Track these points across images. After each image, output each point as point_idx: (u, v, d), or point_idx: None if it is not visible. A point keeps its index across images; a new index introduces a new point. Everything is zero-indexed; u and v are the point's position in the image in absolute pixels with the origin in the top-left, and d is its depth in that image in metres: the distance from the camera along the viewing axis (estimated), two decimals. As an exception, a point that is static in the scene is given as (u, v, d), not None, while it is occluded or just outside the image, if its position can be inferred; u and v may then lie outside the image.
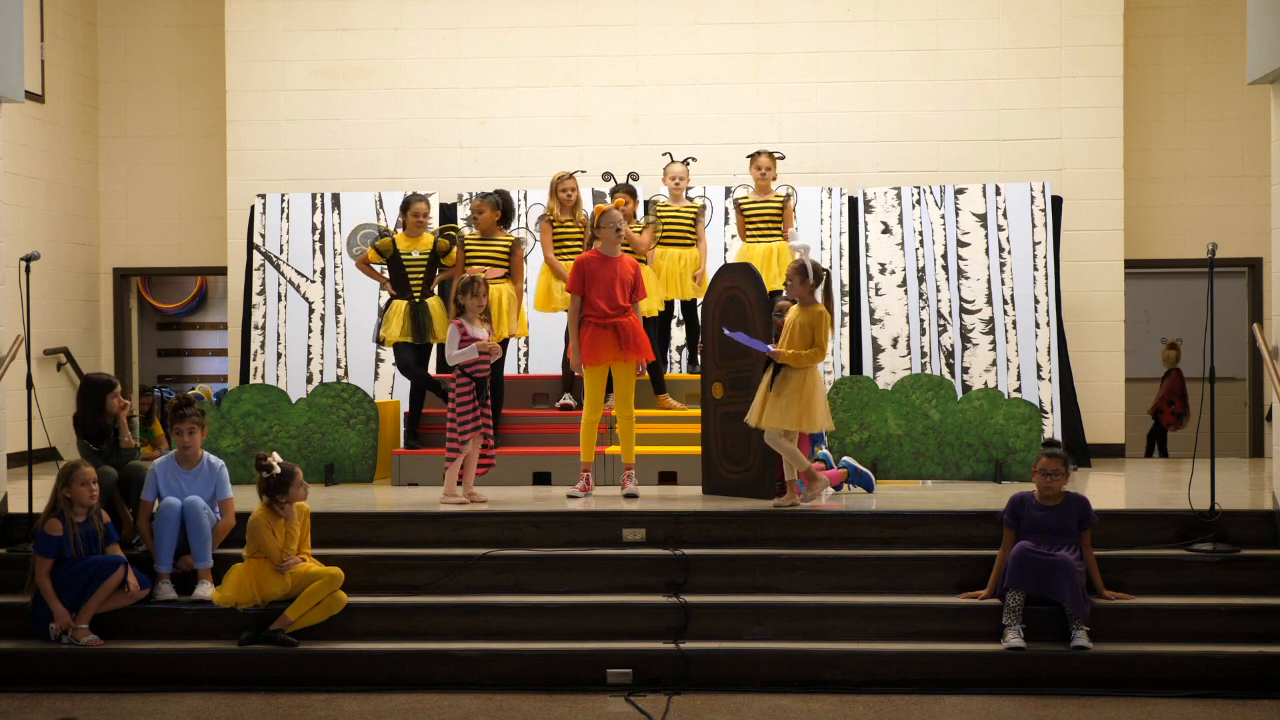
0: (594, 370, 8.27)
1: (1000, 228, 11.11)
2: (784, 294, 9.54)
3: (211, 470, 7.44)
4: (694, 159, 10.57)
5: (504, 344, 9.63)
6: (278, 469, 7.12)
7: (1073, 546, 6.87)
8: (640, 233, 9.71)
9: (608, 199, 10.16)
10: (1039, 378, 10.82)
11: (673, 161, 10.23)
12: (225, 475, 7.49)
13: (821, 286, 7.69)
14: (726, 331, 7.97)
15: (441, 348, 9.52)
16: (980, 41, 11.65)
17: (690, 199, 10.63)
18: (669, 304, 10.23)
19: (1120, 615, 6.87)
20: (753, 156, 10.21)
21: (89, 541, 7.00)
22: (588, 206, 10.95)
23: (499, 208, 9.56)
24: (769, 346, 7.70)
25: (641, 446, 8.82)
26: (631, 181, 9.99)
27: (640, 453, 8.75)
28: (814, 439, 8.38)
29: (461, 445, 8.10)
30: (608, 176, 10.13)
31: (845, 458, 8.81)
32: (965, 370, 10.91)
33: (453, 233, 9.73)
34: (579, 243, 9.79)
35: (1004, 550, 6.98)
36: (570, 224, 9.85)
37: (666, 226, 10.04)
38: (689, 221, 10.11)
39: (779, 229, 10.10)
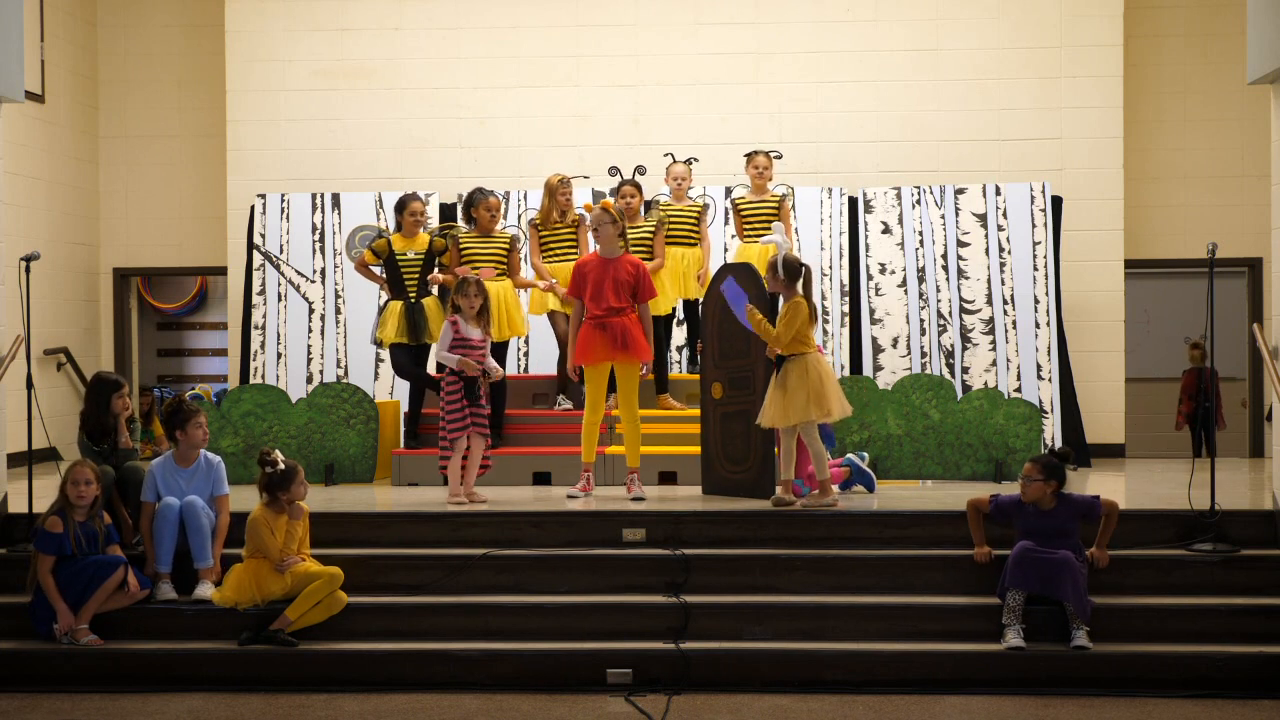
0: (593, 370, 8.26)
1: (1000, 228, 11.11)
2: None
3: (209, 467, 7.41)
4: (695, 159, 10.56)
5: (504, 345, 9.65)
6: (281, 465, 7.12)
7: (1073, 546, 6.88)
8: (650, 249, 9.69)
9: (609, 196, 10.15)
10: (1039, 378, 10.82)
11: (675, 162, 10.23)
12: (223, 472, 7.46)
13: (801, 281, 7.73)
14: (722, 286, 8.01)
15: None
16: (980, 41, 11.65)
17: (693, 199, 10.62)
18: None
19: (1120, 615, 6.87)
20: (749, 156, 10.20)
21: (89, 541, 6.99)
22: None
23: (465, 206, 9.61)
24: (745, 301, 7.82)
25: (642, 446, 8.80)
26: (638, 176, 9.96)
27: (640, 453, 8.73)
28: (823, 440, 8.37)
29: (452, 443, 8.10)
30: (614, 171, 10.10)
31: (848, 455, 8.78)
32: (965, 370, 10.91)
33: (448, 232, 9.70)
34: (570, 244, 9.79)
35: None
36: (560, 226, 9.83)
37: (669, 226, 10.04)
38: (692, 221, 10.10)
39: (777, 229, 10.10)
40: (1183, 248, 11.98)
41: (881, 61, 11.72)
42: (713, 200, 11.36)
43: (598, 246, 8.33)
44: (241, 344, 11.56)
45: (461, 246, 9.54)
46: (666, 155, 10.47)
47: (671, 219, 10.05)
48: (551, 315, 9.89)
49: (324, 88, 11.94)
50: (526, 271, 10.09)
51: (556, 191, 9.77)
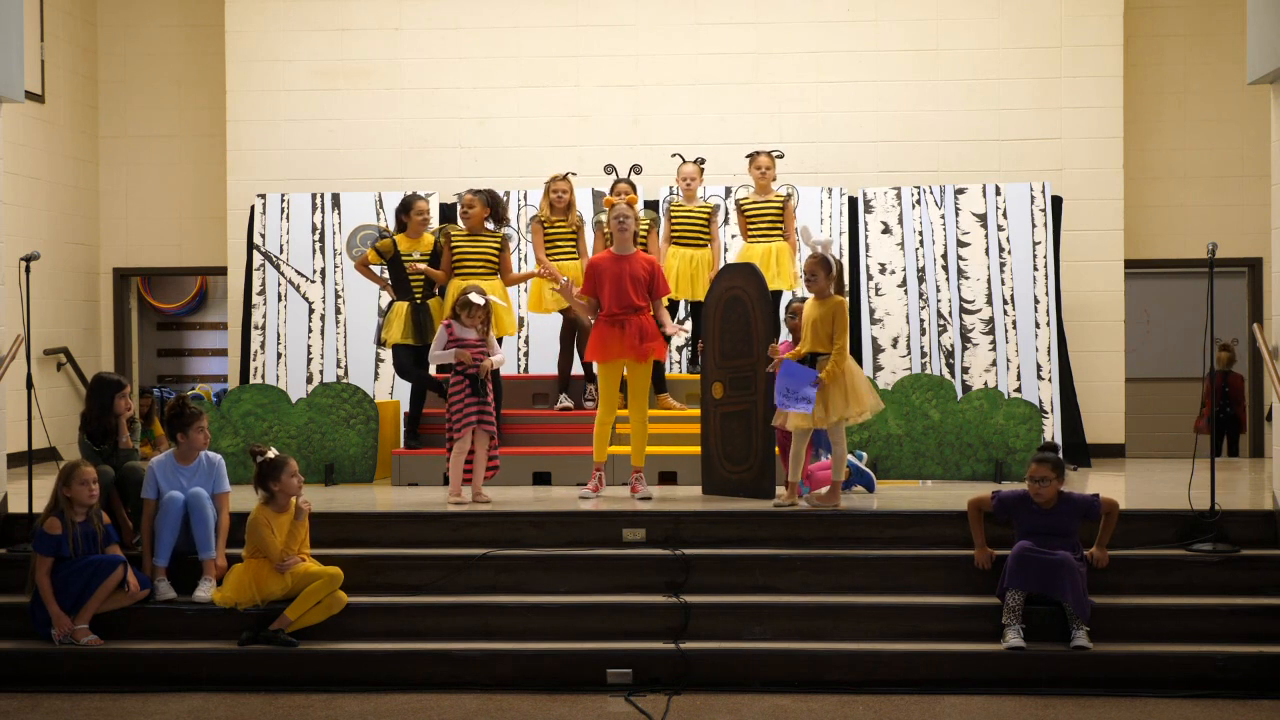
0: (607, 368, 8.23)
1: (1000, 228, 11.11)
2: (796, 292, 9.61)
3: (210, 465, 7.40)
4: (704, 159, 10.46)
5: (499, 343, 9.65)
6: (271, 453, 7.12)
7: (1072, 546, 6.88)
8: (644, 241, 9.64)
9: (607, 194, 10.13)
10: (1039, 378, 10.82)
11: (685, 162, 10.19)
12: (223, 470, 7.44)
13: (836, 277, 7.73)
14: (780, 374, 7.73)
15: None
16: (980, 41, 11.65)
17: (702, 200, 10.55)
18: (673, 303, 10.19)
19: (1120, 615, 6.87)
20: (752, 156, 10.19)
21: (88, 541, 6.99)
22: (585, 207, 10.97)
23: (490, 204, 9.54)
24: (815, 374, 7.57)
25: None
26: (634, 175, 9.96)
27: (645, 453, 8.71)
28: (818, 444, 8.36)
29: (455, 439, 8.11)
30: (610, 169, 10.09)
31: (848, 455, 8.75)
32: (965, 370, 10.91)
33: (440, 233, 9.68)
34: (570, 243, 9.80)
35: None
36: (561, 224, 9.84)
37: (679, 227, 10.03)
38: (701, 222, 10.07)
39: (780, 229, 10.08)
40: (1183, 248, 11.98)
41: (881, 61, 11.72)
42: (722, 201, 11.33)
43: (614, 243, 8.26)
44: (241, 344, 11.56)
45: (453, 246, 9.53)
46: (674, 155, 10.40)
47: (680, 219, 10.04)
48: (564, 314, 9.86)
49: (324, 88, 11.94)
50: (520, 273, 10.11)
51: (549, 188, 9.81)
